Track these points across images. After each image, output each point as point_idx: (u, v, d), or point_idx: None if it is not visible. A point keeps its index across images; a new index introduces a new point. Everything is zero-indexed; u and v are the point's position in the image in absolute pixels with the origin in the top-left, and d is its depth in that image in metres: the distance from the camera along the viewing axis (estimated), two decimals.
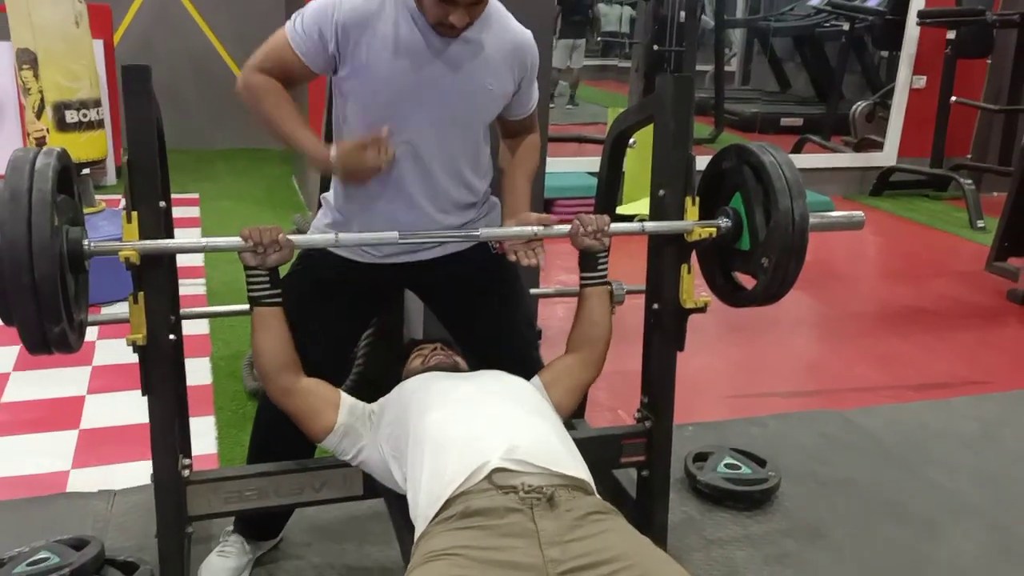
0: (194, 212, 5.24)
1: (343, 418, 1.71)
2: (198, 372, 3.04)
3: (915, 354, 3.64)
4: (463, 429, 1.53)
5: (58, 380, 2.97)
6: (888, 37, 6.84)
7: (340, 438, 1.72)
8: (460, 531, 1.34)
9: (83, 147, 3.55)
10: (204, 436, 2.61)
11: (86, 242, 1.57)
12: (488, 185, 1.98)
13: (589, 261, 1.88)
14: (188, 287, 3.87)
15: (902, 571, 2.14)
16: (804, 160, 6.75)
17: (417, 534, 1.44)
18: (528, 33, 1.85)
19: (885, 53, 7.80)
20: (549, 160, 4.00)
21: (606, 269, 1.89)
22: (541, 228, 1.80)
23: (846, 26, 7.28)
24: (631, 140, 2.55)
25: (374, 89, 1.73)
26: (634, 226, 1.94)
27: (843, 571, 2.13)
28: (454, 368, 1.86)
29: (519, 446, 1.46)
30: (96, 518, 2.21)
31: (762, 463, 2.47)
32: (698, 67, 7.95)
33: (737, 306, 2.03)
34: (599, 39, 11.11)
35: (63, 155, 1.54)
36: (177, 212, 5.71)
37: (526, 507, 1.36)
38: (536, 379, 1.80)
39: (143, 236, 1.64)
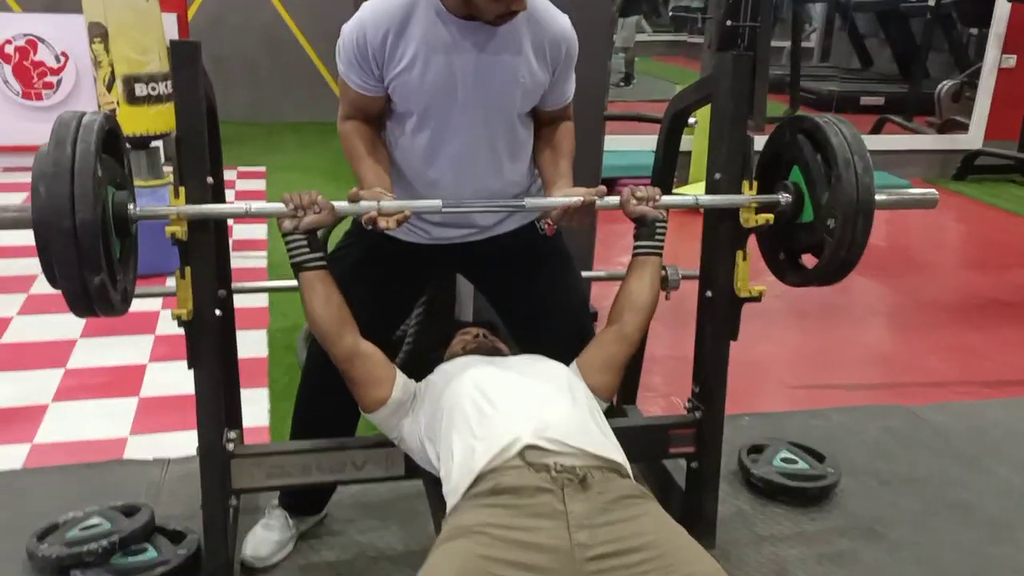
0: (260, 185, 5.31)
1: (397, 393, 1.69)
2: (255, 344, 3.08)
3: (992, 348, 3.46)
4: (497, 407, 1.51)
5: (122, 347, 3.04)
6: (976, 14, 6.52)
7: (391, 413, 1.70)
8: (488, 508, 1.33)
9: (152, 120, 3.60)
10: (257, 407, 2.65)
11: (131, 206, 1.57)
12: (530, 178, 1.95)
13: (646, 229, 1.80)
14: (249, 259, 3.95)
15: (965, 575, 2.04)
16: (883, 141, 6.50)
17: (448, 509, 1.42)
18: (565, 22, 1.78)
19: (974, 30, 7.44)
20: (611, 138, 3.94)
21: (662, 240, 1.82)
22: (589, 194, 1.73)
23: (932, 1, 6.94)
24: (691, 119, 2.47)
25: (413, 92, 1.72)
26: (687, 199, 1.87)
27: (901, 573, 2.03)
28: (494, 352, 1.83)
29: (552, 425, 1.44)
30: (150, 485, 2.26)
31: (820, 458, 2.38)
32: (775, 43, 7.72)
33: (803, 284, 1.90)
34: (671, 14, 10.90)
35: (111, 117, 1.54)
36: (243, 184, 5.87)
37: (557, 487, 1.33)
38: (573, 364, 1.76)
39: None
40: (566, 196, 1.75)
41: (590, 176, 2.74)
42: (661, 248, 1.82)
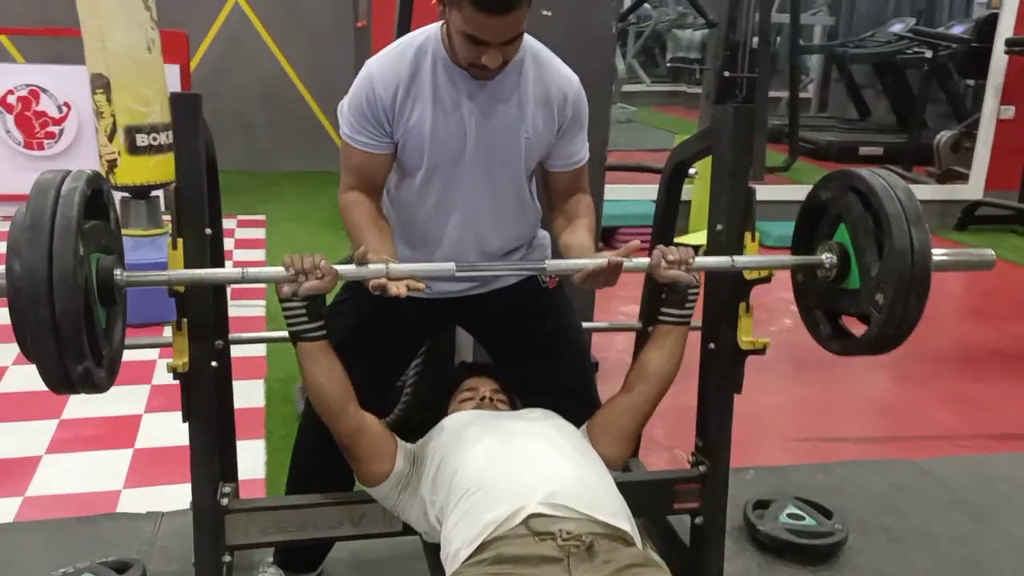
0: (260, 233, 5.32)
1: (399, 464, 1.65)
2: (252, 394, 3.05)
3: (996, 400, 3.43)
4: (501, 470, 1.47)
5: (117, 398, 2.99)
6: (973, 65, 6.58)
7: (392, 485, 1.66)
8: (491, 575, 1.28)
9: (153, 170, 3.61)
10: (253, 458, 2.61)
11: (118, 272, 1.48)
12: (532, 232, 1.93)
13: (676, 296, 1.72)
14: (247, 308, 3.93)
15: None
16: None
17: (448, 573, 1.38)
18: (572, 80, 1.76)
19: (971, 81, 7.52)
20: (610, 188, 3.95)
21: (692, 308, 1.73)
22: (616, 257, 1.61)
23: (929, 54, 7.03)
24: (692, 170, 2.47)
25: (422, 147, 1.70)
26: (723, 260, 1.74)
27: None
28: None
29: (559, 490, 1.40)
30: (142, 540, 2.21)
31: (828, 514, 2.33)
32: (772, 93, 7.79)
33: (846, 355, 1.79)
34: (668, 64, 11.03)
35: (94, 179, 1.43)
36: (243, 233, 5.87)
37: (563, 555, 1.29)
38: (583, 428, 1.72)
39: (188, 262, 1.63)
40: (592, 258, 1.65)
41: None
42: (689, 318, 1.73)
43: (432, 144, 1.69)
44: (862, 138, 8.28)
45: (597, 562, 1.30)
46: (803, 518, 2.29)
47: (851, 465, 2.77)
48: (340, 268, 1.57)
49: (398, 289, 1.54)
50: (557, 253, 1.86)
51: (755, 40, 6.44)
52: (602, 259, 1.61)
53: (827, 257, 1.73)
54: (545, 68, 1.73)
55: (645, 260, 1.68)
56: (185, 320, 1.64)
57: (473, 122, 1.69)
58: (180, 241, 1.62)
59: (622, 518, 1.43)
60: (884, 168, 1.73)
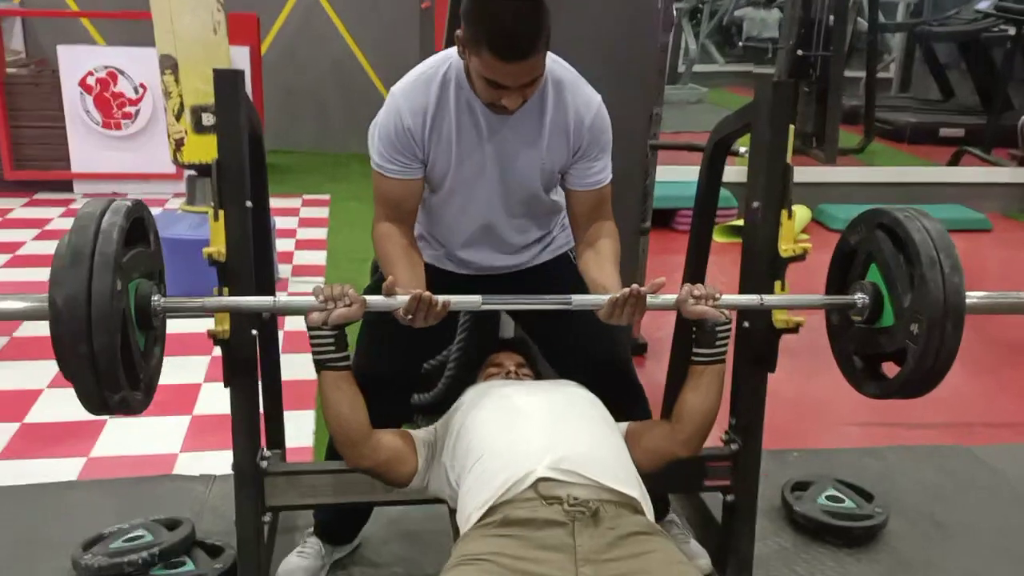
0: (323, 212, 5.43)
1: (422, 460, 1.71)
2: (305, 367, 3.12)
3: None
4: (514, 436, 1.51)
5: (178, 367, 3.11)
6: None
7: (420, 477, 1.72)
8: (497, 538, 1.33)
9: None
10: (302, 428, 2.70)
11: (156, 298, 1.53)
12: (553, 219, 1.96)
13: (706, 335, 1.66)
14: (306, 285, 4.04)
15: None
16: (960, 174, 6.30)
17: (459, 536, 1.42)
18: (591, 104, 1.75)
19: None
20: (668, 168, 3.91)
21: (724, 347, 1.68)
22: (641, 289, 1.60)
23: (1012, 31, 6.72)
24: (740, 148, 2.44)
25: (446, 170, 1.76)
26: (751, 299, 1.72)
27: None
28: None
29: (568, 456, 1.43)
30: (194, 501, 2.32)
31: (869, 497, 2.29)
32: (852, 73, 7.57)
33: (883, 396, 1.75)
34: (743, 43, 10.80)
35: (134, 209, 1.48)
36: (307, 212, 6.00)
37: (568, 520, 1.32)
38: (622, 427, 1.73)
39: (229, 234, 1.70)
40: (617, 291, 1.63)
41: (635, 208, 2.72)
42: (722, 356, 1.68)
43: (455, 172, 1.76)
44: (942, 119, 8.00)
45: (602, 528, 1.32)
46: (842, 500, 2.27)
47: (902, 450, 2.71)
48: (368, 298, 1.61)
49: (424, 319, 1.59)
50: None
51: (831, 18, 6.26)
52: (625, 291, 1.60)
53: (859, 297, 1.71)
54: (565, 95, 1.73)
55: (673, 297, 1.67)
56: (226, 288, 1.71)
57: (493, 154, 1.74)
58: (222, 213, 1.69)
59: (632, 485, 1.45)
60: (917, 210, 1.67)
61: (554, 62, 1.71)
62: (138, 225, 1.51)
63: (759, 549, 2.03)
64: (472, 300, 1.66)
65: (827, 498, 2.28)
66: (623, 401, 1.86)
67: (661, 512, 2.10)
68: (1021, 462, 2.66)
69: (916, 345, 1.57)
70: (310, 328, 1.60)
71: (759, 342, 1.87)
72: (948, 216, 5.69)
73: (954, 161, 6.56)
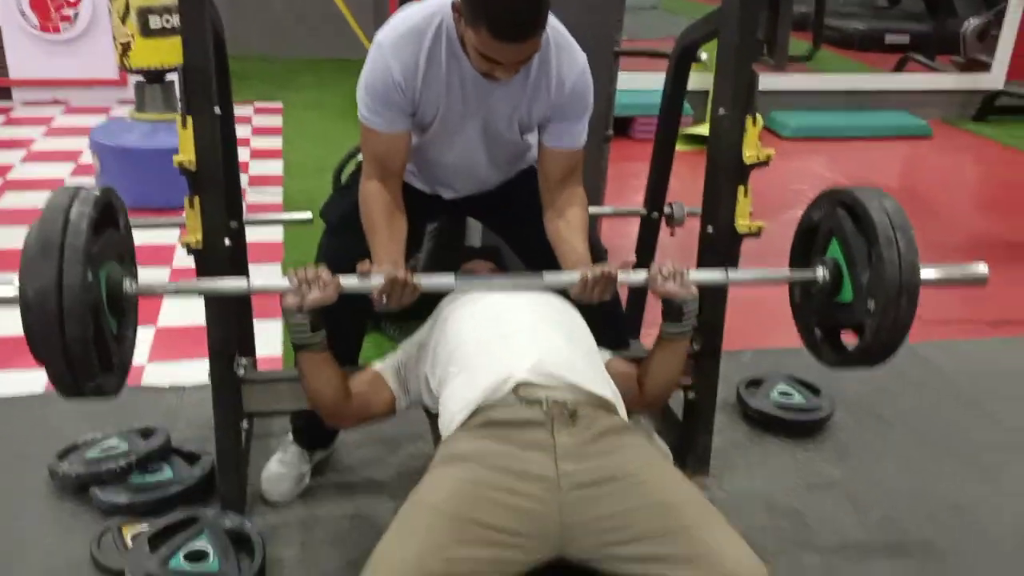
0: (277, 121, 5.32)
1: (395, 385, 1.76)
2: (269, 276, 3.13)
3: (999, 290, 3.41)
4: (493, 342, 1.56)
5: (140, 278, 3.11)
6: None
7: (402, 400, 1.77)
8: (480, 439, 1.39)
9: (167, 52, 3.61)
10: (270, 337, 2.72)
11: (128, 283, 1.53)
12: (526, 155, 1.98)
13: (673, 311, 1.71)
14: (265, 195, 4.00)
15: (947, 507, 2.10)
16: (904, 80, 6.41)
17: (443, 439, 1.49)
18: (575, 67, 1.75)
19: None
20: (627, 76, 3.89)
21: (692, 321, 1.73)
22: (612, 269, 1.66)
23: None
24: (702, 55, 2.46)
25: (428, 122, 1.76)
26: (717, 275, 1.79)
27: (886, 503, 2.10)
28: None
29: (546, 360, 1.49)
30: (166, 410, 2.35)
31: (816, 392, 2.43)
32: None
33: (842, 367, 1.83)
34: None
35: (102, 197, 1.45)
36: (260, 120, 5.87)
37: (547, 420, 1.39)
38: (605, 353, 1.78)
39: (198, 142, 1.68)
40: (588, 269, 1.67)
41: (599, 116, 2.73)
42: (689, 331, 1.74)
43: (440, 124, 1.76)
44: (889, 25, 8.04)
45: (579, 427, 1.39)
46: (792, 395, 2.40)
47: None
48: (343, 280, 1.61)
49: (398, 302, 1.61)
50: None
51: None
52: (597, 270, 1.64)
53: (821, 272, 1.76)
54: (551, 54, 1.71)
55: (642, 273, 1.71)
56: (197, 198, 1.71)
57: (477, 108, 1.74)
58: (190, 120, 1.67)
59: (606, 388, 1.52)
60: (876, 189, 1.71)
61: None
62: (107, 211, 1.49)
63: (715, 442, 2.16)
64: (446, 281, 1.70)
65: (779, 393, 2.41)
66: (597, 306, 1.92)
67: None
68: (957, 358, 2.83)
69: (873, 321, 1.63)
70: (285, 312, 1.60)
71: (722, 246, 1.94)
72: (891, 123, 5.82)
73: (899, 68, 6.65)
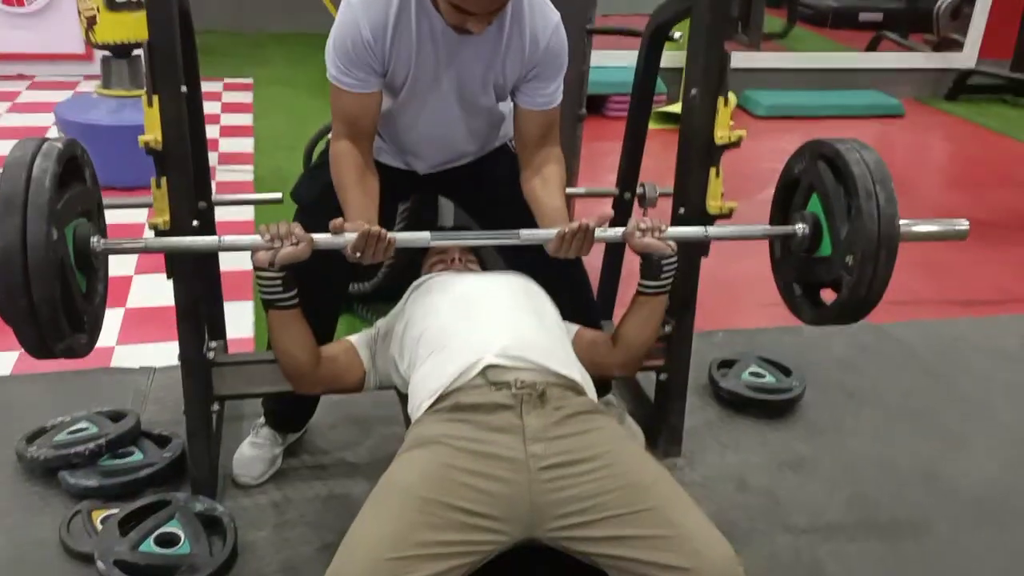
0: (247, 97, 5.25)
1: (367, 361, 1.74)
2: (240, 257, 3.10)
3: (964, 267, 3.52)
4: (461, 326, 1.55)
5: (111, 261, 3.05)
6: None
7: (372, 377, 1.76)
8: (448, 422, 1.39)
9: (133, 27, 3.54)
10: (242, 319, 2.70)
11: (95, 240, 1.49)
12: (500, 128, 1.96)
13: (651, 267, 1.68)
14: (235, 173, 3.95)
15: (916, 481, 2.14)
16: (877, 59, 6.43)
17: (412, 422, 1.49)
18: (549, 24, 1.73)
19: None
20: (602, 53, 3.87)
21: (668, 280, 1.71)
22: (589, 223, 1.61)
23: None
24: (675, 33, 2.45)
25: (401, 77, 1.72)
26: (696, 230, 1.76)
27: (854, 479, 2.13)
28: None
29: (515, 343, 1.49)
30: (136, 393, 2.32)
31: (788, 372, 2.45)
32: None
33: (819, 322, 1.80)
34: None
35: (66, 150, 1.41)
36: (230, 96, 5.79)
37: (516, 402, 1.39)
38: (572, 329, 1.78)
39: (164, 120, 1.65)
40: (566, 225, 1.63)
41: (572, 95, 2.72)
42: (667, 288, 1.71)
43: (411, 84, 1.73)
44: (862, 3, 8.06)
45: (548, 408, 1.39)
46: (763, 376, 2.42)
47: (816, 328, 2.87)
48: (316, 236, 1.58)
49: (371, 257, 1.57)
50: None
51: None
52: (573, 224, 1.60)
53: (800, 227, 1.74)
54: (524, 13, 1.70)
55: (620, 229, 1.68)
56: (164, 178, 1.68)
57: (450, 68, 1.72)
58: (156, 98, 1.64)
59: (574, 369, 1.52)
60: (855, 140, 1.70)
61: None
62: (72, 165, 1.45)
63: (687, 423, 2.18)
64: (420, 236, 1.66)
65: (750, 374, 2.42)
66: (568, 285, 1.92)
67: (603, 392, 2.20)
68: (925, 336, 2.87)
69: (851, 276, 1.62)
70: (257, 269, 1.58)
71: (693, 227, 1.94)
72: (864, 102, 5.84)
73: (872, 46, 6.67)
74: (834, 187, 1.67)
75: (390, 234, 1.58)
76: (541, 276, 1.83)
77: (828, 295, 1.77)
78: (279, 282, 1.58)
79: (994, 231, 3.95)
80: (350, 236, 1.56)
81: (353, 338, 1.78)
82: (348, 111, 1.73)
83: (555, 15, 1.75)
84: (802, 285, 1.82)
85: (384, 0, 1.64)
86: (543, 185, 1.80)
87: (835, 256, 1.66)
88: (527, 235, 1.67)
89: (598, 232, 1.63)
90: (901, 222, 1.61)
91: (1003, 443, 2.31)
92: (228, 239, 1.61)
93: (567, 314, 1.78)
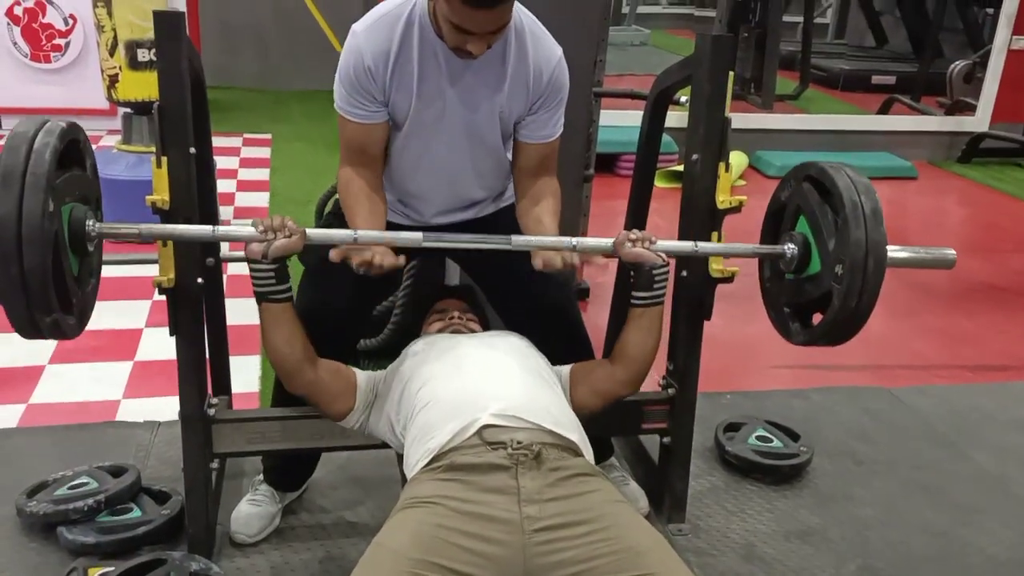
0: (265, 152, 5.34)
1: (360, 399, 1.74)
2: (248, 311, 3.11)
3: (979, 333, 3.48)
4: (457, 385, 1.55)
5: (119, 312, 3.09)
6: None
7: (357, 418, 1.75)
8: (443, 482, 1.38)
9: (154, 85, 3.58)
10: (248, 373, 2.71)
11: (91, 223, 1.50)
12: (506, 181, 1.97)
13: (644, 278, 1.70)
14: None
15: (931, 557, 2.08)
16: (890, 122, 6.47)
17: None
18: (552, 57, 1.77)
19: (990, 9, 7.34)
20: (612, 113, 3.93)
21: (661, 290, 1.72)
22: (579, 240, 1.65)
23: None
24: (681, 98, 2.48)
25: (405, 111, 1.75)
26: (686, 245, 1.77)
27: (867, 552, 2.07)
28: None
29: (511, 404, 1.48)
30: (139, 447, 2.32)
31: (795, 437, 2.42)
32: (788, 18, 7.64)
33: (812, 343, 1.78)
34: None
35: (69, 131, 1.44)
36: (249, 152, 5.90)
37: (512, 463, 1.37)
38: (565, 370, 1.78)
39: (172, 181, 1.68)
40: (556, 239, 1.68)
41: (579, 155, 2.75)
42: (660, 299, 1.72)
43: (415, 116, 1.75)
44: (875, 67, 8.15)
45: (544, 469, 1.38)
46: (771, 440, 2.39)
47: (826, 391, 2.85)
48: (309, 231, 1.61)
49: (359, 260, 1.62)
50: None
51: None
52: (566, 240, 1.64)
53: (789, 247, 1.75)
54: (527, 45, 1.73)
55: (609, 240, 1.70)
56: (170, 241, 1.70)
57: (455, 99, 1.74)
58: (164, 160, 1.67)
59: (571, 430, 1.51)
60: (847, 168, 1.73)
61: (519, 11, 1.71)
62: (73, 147, 1.48)
63: (693, 487, 2.14)
64: (413, 237, 1.69)
65: (757, 438, 2.39)
66: (568, 345, 1.91)
67: (605, 455, 2.17)
68: (936, 402, 2.82)
69: (840, 286, 1.62)
70: (250, 260, 1.60)
71: (696, 291, 1.94)
72: (876, 164, 5.86)
73: (884, 109, 6.72)
74: (820, 205, 1.70)
75: (382, 234, 1.63)
76: (539, 320, 1.85)
77: (818, 319, 1.77)
78: (272, 274, 1.60)
79: (1009, 296, 3.92)
80: (344, 233, 1.62)
81: (359, 376, 1.77)
82: (354, 140, 1.77)
83: (558, 49, 1.78)
84: (792, 307, 1.82)
85: (388, 28, 1.68)
86: (535, 209, 1.83)
87: (824, 270, 1.67)
88: (519, 241, 1.71)
89: (588, 242, 1.66)
90: (889, 248, 1.63)
91: (1018, 516, 2.25)
92: (222, 229, 1.65)
93: (562, 355, 1.78)
